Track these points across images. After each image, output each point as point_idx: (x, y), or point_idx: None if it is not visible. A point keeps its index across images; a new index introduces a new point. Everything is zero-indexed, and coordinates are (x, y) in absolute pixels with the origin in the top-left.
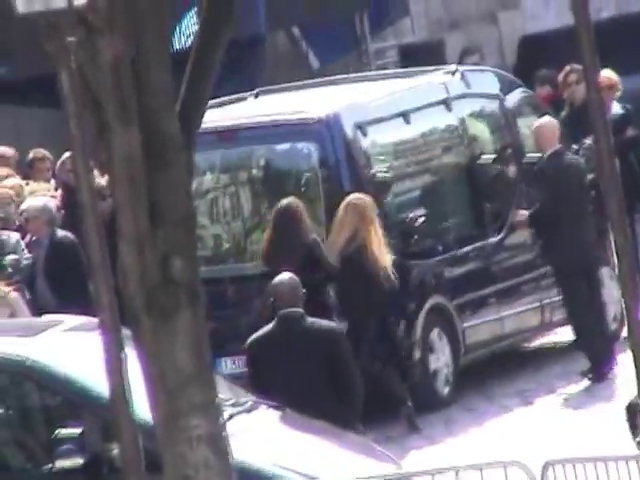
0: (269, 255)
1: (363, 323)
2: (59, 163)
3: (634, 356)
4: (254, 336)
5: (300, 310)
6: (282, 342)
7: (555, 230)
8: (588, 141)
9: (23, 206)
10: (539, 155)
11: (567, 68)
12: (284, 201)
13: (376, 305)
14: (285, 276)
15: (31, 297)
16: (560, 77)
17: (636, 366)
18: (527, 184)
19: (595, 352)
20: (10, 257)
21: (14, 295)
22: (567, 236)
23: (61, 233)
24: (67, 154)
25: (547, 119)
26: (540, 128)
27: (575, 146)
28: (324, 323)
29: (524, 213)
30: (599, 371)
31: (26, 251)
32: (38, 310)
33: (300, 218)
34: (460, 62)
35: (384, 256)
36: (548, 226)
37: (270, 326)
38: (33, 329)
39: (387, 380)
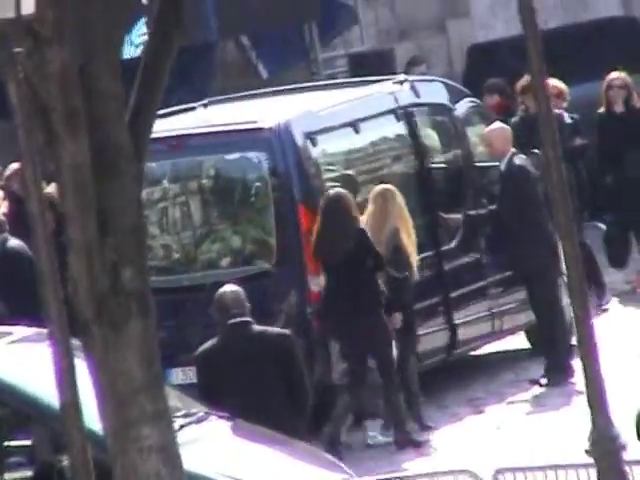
0: (319, 246)
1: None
2: (7, 173)
3: (584, 366)
4: (203, 347)
5: (248, 319)
6: (231, 351)
7: (520, 231)
8: (536, 151)
9: None
10: (491, 162)
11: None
12: (332, 191)
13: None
14: (228, 287)
15: None
16: (522, 82)
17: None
18: (484, 187)
19: (556, 357)
20: None
21: None
22: (532, 237)
23: (12, 242)
24: (15, 165)
25: (499, 124)
26: (495, 132)
27: (522, 156)
28: (274, 330)
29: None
30: (556, 377)
31: None
32: None
33: (349, 207)
34: (407, 72)
35: (414, 248)
36: (512, 227)
37: (219, 337)
38: None
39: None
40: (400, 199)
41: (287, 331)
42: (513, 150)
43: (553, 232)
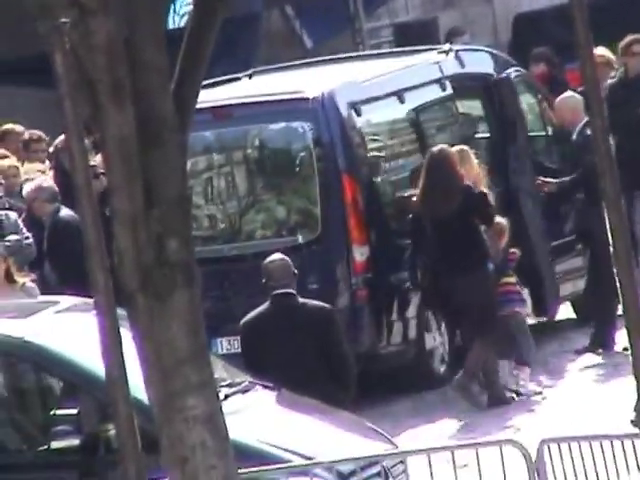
0: (425, 202)
1: None
2: (56, 145)
3: (629, 336)
4: (248, 317)
5: (292, 290)
6: (275, 322)
7: (594, 198)
8: None
9: (24, 190)
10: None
11: (632, 38)
12: (436, 147)
13: None
14: (276, 256)
15: (38, 279)
16: (622, 44)
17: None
18: (531, 157)
19: (604, 327)
20: (11, 237)
21: (30, 285)
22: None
23: (63, 212)
24: (63, 136)
25: (570, 93)
26: (565, 101)
27: None
28: (316, 303)
29: (551, 181)
30: (603, 346)
31: (25, 230)
32: (44, 291)
33: (454, 163)
34: (448, 42)
35: None
36: (588, 193)
37: (263, 307)
38: (27, 310)
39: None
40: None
41: (328, 305)
42: (586, 119)
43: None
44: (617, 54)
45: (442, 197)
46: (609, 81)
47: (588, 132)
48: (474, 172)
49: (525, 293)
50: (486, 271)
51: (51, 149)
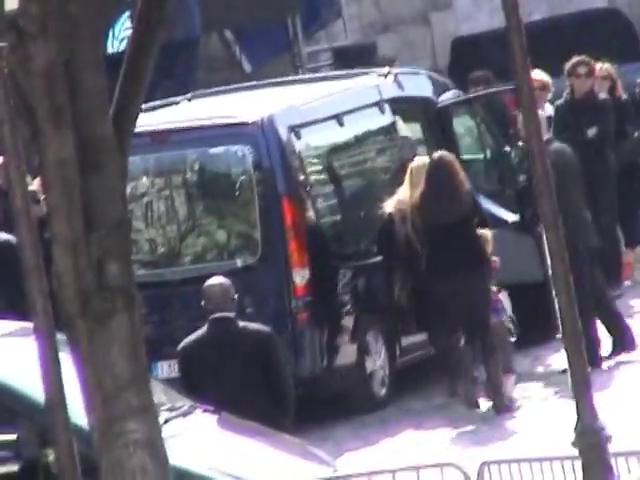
0: (424, 207)
1: None
2: None
3: (568, 358)
4: (186, 340)
5: (231, 314)
6: (214, 346)
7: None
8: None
9: None
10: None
11: (576, 60)
12: (436, 154)
13: None
14: (216, 280)
15: None
16: (567, 66)
17: None
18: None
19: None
20: None
21: None
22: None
23: (2, 236)
24: None
25: None
26: None
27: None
28: (256, 326)
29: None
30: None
31: None
32: None
33: (457, 168)
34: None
35: None
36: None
37: (202, 330)
38: None
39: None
40: None
41: (268, 328)
42: (548, 136)
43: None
44: (552, 76)
45: (449, 202)
46: (557, 102)
47: (553, 149)
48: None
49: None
50: (487, 273)
51: None
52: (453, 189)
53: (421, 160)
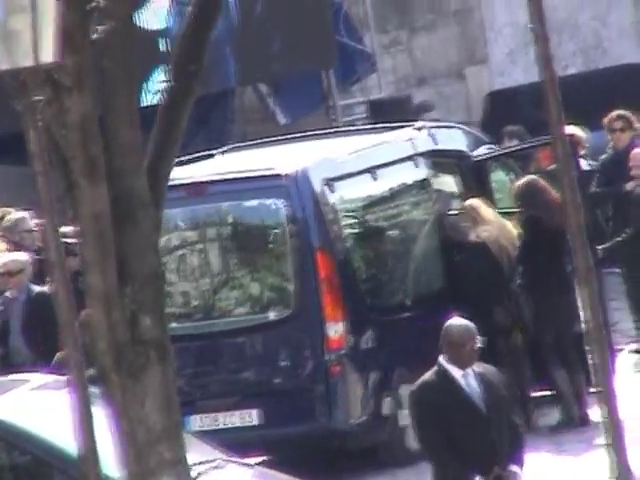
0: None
1: None
2: (8, 223)
3: (603, 413)
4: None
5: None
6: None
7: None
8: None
9: (3, 260)
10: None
11: (613, 114)
12: (522, 180)
13: None
14: (457, 321)
15: (3, 353)
16: (605, 121)
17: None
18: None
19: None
20: None
21: None
22: None
23: (37, 288)
24: (18, 214)
25: None
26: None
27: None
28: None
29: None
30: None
31: None
32: (11, 367)
33: (545, 189)
34: (418, 117)
35: None
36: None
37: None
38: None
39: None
40: None
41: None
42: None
43: None
44: (589, 131)
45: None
46: (601, 157)
47: None
48: (497, 223)
49: None
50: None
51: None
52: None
53: (475, 200)
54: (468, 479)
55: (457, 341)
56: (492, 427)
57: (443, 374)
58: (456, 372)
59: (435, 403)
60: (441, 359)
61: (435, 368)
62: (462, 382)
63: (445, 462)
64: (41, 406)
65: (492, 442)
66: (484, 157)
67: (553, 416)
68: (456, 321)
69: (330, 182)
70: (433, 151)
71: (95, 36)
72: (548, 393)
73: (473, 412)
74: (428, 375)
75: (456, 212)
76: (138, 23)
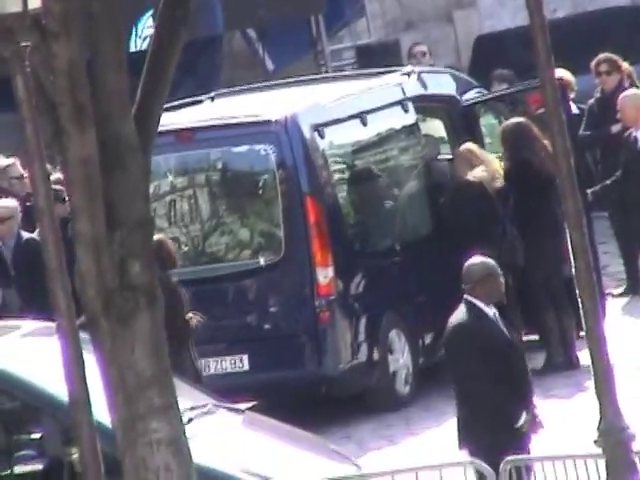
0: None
1: None
2: None
3: (592, 357)
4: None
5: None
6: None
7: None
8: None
9: None
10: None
11: (600, 57)
12: (511, 121)
13: None
14: (479, 259)
15: None
16: (592, 65)
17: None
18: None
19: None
20: None
21: None
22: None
23: (27, 235)
24: (7, 161)
25: (634, 91)
26: (627, 99)
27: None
28: None
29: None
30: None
31: None
32: (1, 313)
33: (535, 135)
34: (409, 57)
35: None
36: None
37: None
38: None
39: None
40: None
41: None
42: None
43: None
44: (576, 74)
45: (525, 169)
46: (589, 101)
47: None
48: (493, 166)
49: None
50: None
51: None
52: (533, 155)
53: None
54: (518, 416)
55: (484, 278)
56: (526, 360)
57: (477, 312)
58: (486, 309)
59: (479, 341)
60: (469, 297)
61: (463, 307)
62: (493, 318)
63: (498, 400)
64: (31, 352)
65: (529, 376)
66: (473, 101)
67: (539, 360)
68: (478, 259)
69: (319, 128)
70: (422, 96)
71: None
72: (536, 338)
73: (512, 346)
74: (460, 315)
75: (450, 157)
76: None
